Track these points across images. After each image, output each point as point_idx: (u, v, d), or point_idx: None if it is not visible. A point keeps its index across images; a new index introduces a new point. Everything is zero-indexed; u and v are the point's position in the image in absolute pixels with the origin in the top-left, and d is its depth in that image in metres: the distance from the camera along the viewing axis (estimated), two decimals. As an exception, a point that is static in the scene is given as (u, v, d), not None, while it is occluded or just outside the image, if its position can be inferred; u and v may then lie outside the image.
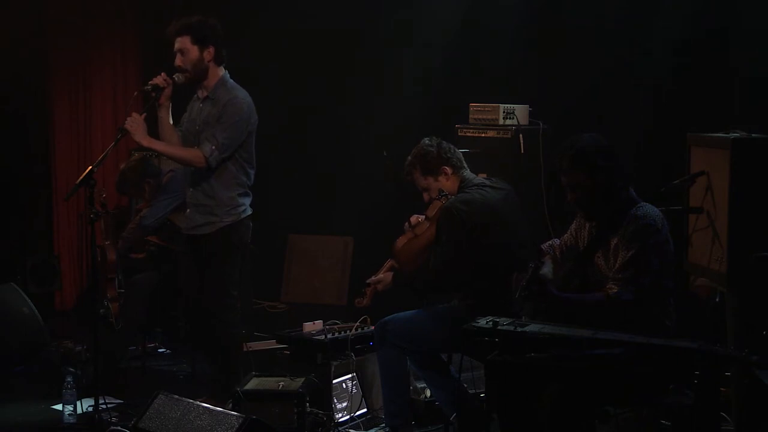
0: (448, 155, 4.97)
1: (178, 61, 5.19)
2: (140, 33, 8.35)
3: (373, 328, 5.28)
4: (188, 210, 5.38)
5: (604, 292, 3.99)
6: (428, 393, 5.31)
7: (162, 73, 5.17)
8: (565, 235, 4.44)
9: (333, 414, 5.22)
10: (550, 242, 4.53)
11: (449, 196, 4.89)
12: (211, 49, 5.21)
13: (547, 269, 4.22)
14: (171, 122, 5.32)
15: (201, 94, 5.32)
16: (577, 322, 3.84)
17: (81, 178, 4.95)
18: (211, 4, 6.58)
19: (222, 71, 5.28)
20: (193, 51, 5.18)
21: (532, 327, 3.76)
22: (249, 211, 5.34)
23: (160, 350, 6.80)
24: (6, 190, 7.95)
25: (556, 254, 4.39)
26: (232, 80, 5.32)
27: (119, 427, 5.11)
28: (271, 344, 6.12)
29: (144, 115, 5.14)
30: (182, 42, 5.18)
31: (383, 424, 5.17)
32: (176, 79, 5.18)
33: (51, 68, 8.12)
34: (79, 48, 8.18)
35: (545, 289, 3.98)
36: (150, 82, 5.19)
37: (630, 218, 4.01)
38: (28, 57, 7.83)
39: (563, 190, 4.17)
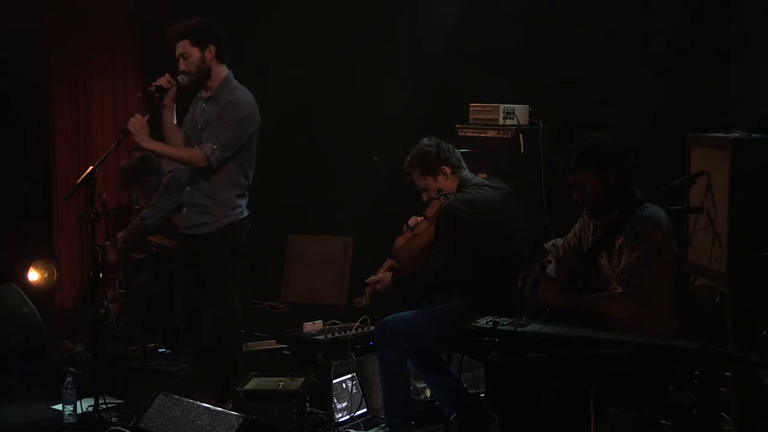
0: (447, 155, 4.98)
1: (182, 65, 5.20)
2: (141, 33, 8.35)
3: (373, 328, 5.28)
4: (184, 209, 5.38)
5: (608, 292, 3.99)
6: (428, 393, 5.32)
7: (166, 75, 5.17)
8: (569, 235, 4.44)
9: (333, 414, 5.23)
10: (553, 241, 4.53)
11: (448, 196, 4.89)
12: (212, 48, 5.20)
13: (551, 269, 4.22)
14: (175, 123, 5.32)
15: (204, 94, 5.32)
16: (579, 322, 3.84)
17: (82, 177, 4.95)
18: (211, 4, 6.58)
19: (226, 71, 5.28)
20: (195, 53, 5.18)
21: (532, 327, 3.76)
22: (246, 213, 5.34)
23: (160, 350, 6.80)
24: (6, 191, 7.95)
25: (559, 254, 4.39)
26: (236, 80, 5.31)
27: (119, 427, 5.11)
28: (271, 344, 6.13)
29: (147, 116, 5.14)
30: (182, 46, 5.18)
31: (383, 424, 5.18)
32: (180, 80, 5.19)
33: (51, 69, 8.12)
34: (79, 48, 8.17)
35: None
36: (153, 84, 5.20)
37: (635, 219, 4.02)
38: (28, 58, 7.82)
39: (570, 189, 4.17)
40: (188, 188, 5.34)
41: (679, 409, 3.74)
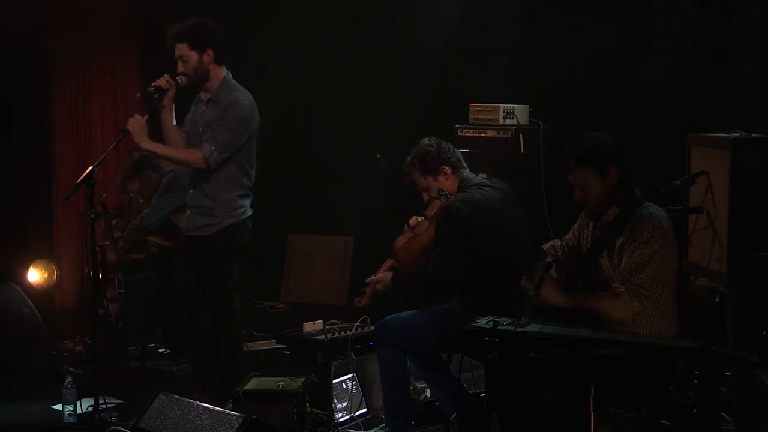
0: (448, 155, 4.98)
1: (180, 67, 5.20)
2: (141, 33, 8.36)
3: (373, 328, 5.28)
4: (188, 212, 5.38)
5: (610, 291, 3.99)
6: (428, 393, 5.32)
7: (165, 75, 5.18)
8: (567, 236, 4.44)
9: (333, 414, 5.23)
10: (552, 243, 4.53)
11: (449, 196, 4.89)
12: (210, 52, 5.20)
13: (552, 270, 4.22)
14: (174, 123, 5.32)
15: (204, 96, 5.32)
16: (579, 322, 3.84)
17: (81, 177, 4.96)
18: (211, 4, 6.58)
19: (224, 72, 5.27)
20: (192, 56, 5.18)
21: (532, 327, 3.77)
22: (249, 212, 5.34)
23: (160, 350, 6.80)
24: (6, 191, 7.95)
25: (558, 255, 4.39)
26: (235, 81, 5.31)
27: (119, 427, 5.11)
28: (271, 344, 6.13)
29: (146, 117, 5.14)
30: (180, 49, 5.18)
31: (383, 424, 5.18)
32: (179, 81, 5.19)
33: (51, 69, 8.12)
34: (79, 48, 8.18)
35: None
36: (153, 84, 5.20)
37: (636, 218, 4.02)
38: (28, 58, 7.83)
39: (570, 189, 4.17)
40: (191, 191, 5.34)
41: (679, 409, 3.74)
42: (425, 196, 5.05)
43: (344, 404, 5.33)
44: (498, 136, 6.19)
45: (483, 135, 6.25)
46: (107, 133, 8.17)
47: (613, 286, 3.99)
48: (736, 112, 5.75)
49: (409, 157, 5.04)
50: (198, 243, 5.31)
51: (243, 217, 5.30)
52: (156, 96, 5.18)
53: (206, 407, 4.56)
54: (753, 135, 4.01)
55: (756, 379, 3.94)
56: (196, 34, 5.18)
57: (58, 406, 5.42)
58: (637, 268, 3.94)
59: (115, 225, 6.48)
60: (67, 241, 8.15)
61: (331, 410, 5.22)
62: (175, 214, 6.19)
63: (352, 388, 5.37)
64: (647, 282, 3.94)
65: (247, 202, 5.33)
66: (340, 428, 5.22)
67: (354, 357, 5.32)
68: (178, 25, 5.21)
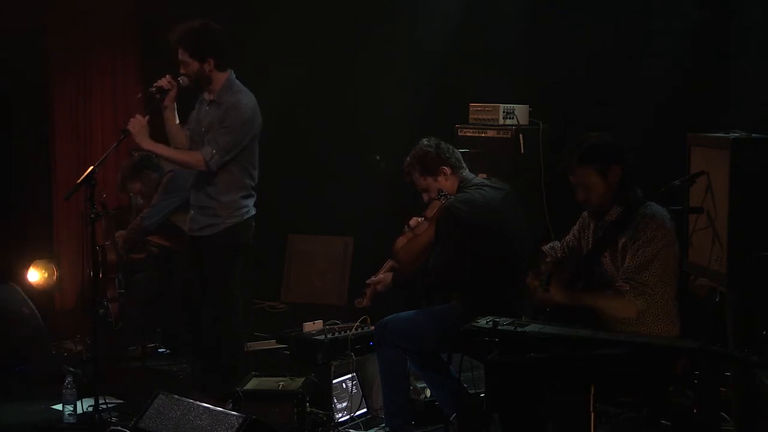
0: (447, 155, 4.98)
1: (182, 69, 5.19)
2: (141, 33, 8.35)
3: (373, 328, 5.28)
4: (191, 212, 5.39)
5: (614, 290, 3.99)
6: (428, 393, 5.32)
7: (167, 75, 5.17)
8: (567, 237, 4.44)
9: (333, 414, 5.23)
10: (552, 244, 4.53)
11: (449, 196, 4.89)
12: (211, 61, 5.18)
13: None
14: (177, 122, 5.32)
15: (208, 97, 5.31)
16: (579, 322, 3.84)
17: (82, 177, 4.96)
18: (211, 4, 6.58)
19: (227, 74, 5.26)
20: (193, 64, 5.17)
21: (532, 327, 3.77)
22: (252, 212, 5.34)
23: (160, 350, 6.80)
24: (6, 191, 7.95)
25: (558, 256, 4.39)
26: (238, 82, 5.29)
27: (119, 427, 5.11)
28: (271, 344, 6.13)
29: (147, 117, 5.13)
30: (182, 54, 5.16)
31: (383, 424, 5.18)
32: (181, 81, 5.18)
33: (51, 69, 8.12)
34: (79, 48, 8.17)
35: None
36: (155, 84, 5.19)
37: (639, 217, 4.03)
38: (28, 58, 7.82)
39: (570, 189, 4.17)
40: (194, 191, 5.34)
41: (679, 409, 3.74)
42: (425, 197, 5.05)
43: (344, 404, 5.33)
44: (498, 136, 6.19)
45: (483, 135, 6.26)
46: (107, 133, 8.16)
47: (617, 284, 3.99)
48: (736, 112, 5.75)
49: (408, 158, 5.04)
50: (201, 243, 5.32)
51: (246, 216, 5.30)
52: (158, 96, 5.18)
53: (206, 407, 4.56)
54: (753, 135, 4.01)
55: (756, 379, 3.94)
56: (197, 42, 5.14)
57: (58, 406, 5.43)
58: (641, 267, 3.95)
59: (117, 236, 6.47)
60: (67, 241, 8.14)
61: (331, 410, 5.22)
62: (175, 214, 6.19)
63: (352, 388, 5.37)
64: (651, 280, 3.95)
65: (250, 202, 5.33)
66: (340, 428, 5.22)
67: (354, 357, 5.32)
68: (181, 27, 5.17)
